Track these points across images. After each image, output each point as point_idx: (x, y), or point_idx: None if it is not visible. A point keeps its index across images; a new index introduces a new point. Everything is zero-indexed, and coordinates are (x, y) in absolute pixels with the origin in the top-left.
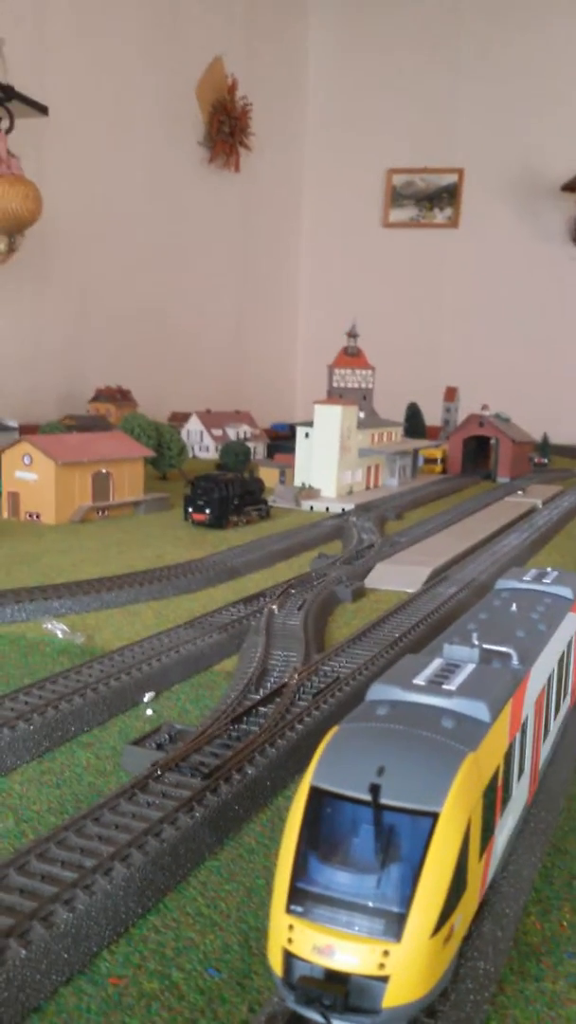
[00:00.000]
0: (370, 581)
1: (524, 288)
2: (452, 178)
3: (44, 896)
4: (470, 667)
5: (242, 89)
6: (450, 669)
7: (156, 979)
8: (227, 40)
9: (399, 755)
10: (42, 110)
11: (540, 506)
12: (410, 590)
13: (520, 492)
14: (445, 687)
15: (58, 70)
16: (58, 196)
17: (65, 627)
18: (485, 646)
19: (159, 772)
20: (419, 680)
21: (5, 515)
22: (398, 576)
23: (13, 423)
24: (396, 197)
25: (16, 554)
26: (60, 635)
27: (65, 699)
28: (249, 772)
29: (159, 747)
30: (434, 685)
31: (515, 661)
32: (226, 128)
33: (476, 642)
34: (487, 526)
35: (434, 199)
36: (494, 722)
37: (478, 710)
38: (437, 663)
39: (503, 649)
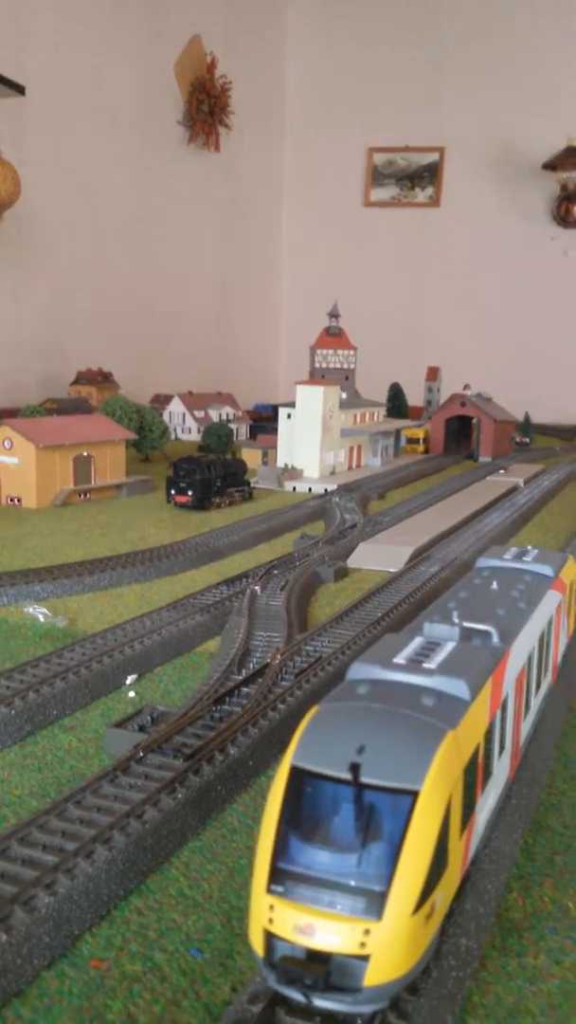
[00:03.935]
0: (352, 561)
1: (505, 267)
2: (433, 157)
3: (26, 880)
4: (450, 645)
5: (221, 68)
6: (430, 647)
7: (138, 961)
8: (206, 18)
9: (379, 733)
10: (19, 90)
11: (522, 485)
12: (392, 569)
13: (502, 471)
14: (425, 665)
15: (35, 49)
16: (37, 177)
17: (46, 611)
18: (465, 624)
19: (141, 754)
20: (399, 659)
21: None
22: (380, 556)
23: None
24: (377, 176)
25: None
26: (41, 619)
27: (47, 683)
28: (231, 752)
29: (141, 729)
30: (414, 663)
31: (495, 639)
32: (205, 107)
33: (456, 620)
34: (469, 505)
35: (415, 178)
36: (474, 700)
37: (458, 688)
38: (417, 642)
39: (483, 627)
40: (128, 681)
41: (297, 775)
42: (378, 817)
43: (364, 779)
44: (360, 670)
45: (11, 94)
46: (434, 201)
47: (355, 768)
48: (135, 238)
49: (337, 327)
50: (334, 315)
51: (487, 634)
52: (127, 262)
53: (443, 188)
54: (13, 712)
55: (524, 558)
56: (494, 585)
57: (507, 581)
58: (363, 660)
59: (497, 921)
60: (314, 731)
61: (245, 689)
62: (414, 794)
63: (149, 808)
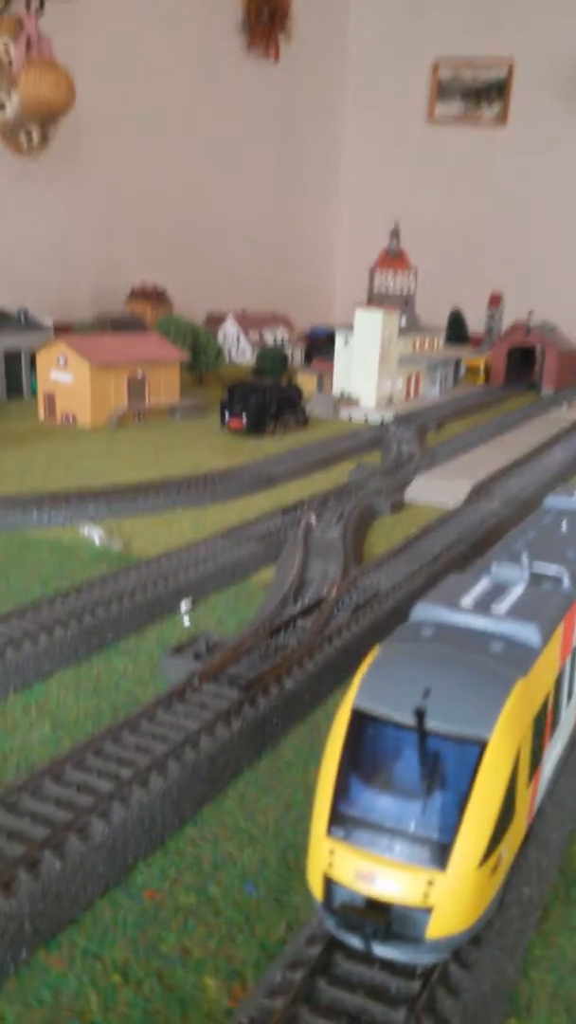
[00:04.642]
0: (409, 494)
1: (574, 191)
2: (501, 72)
3: (81, 807)
4: (519, 588)
5: None
6: (498, 590)
7: (193, 893)
8: None
9: (446, 679)
10: None
11: None
12: (450, 504)
13: (565, 405)
14: (494, 609)
15: None
16: (91, 84)
17: (102, 532)
18: (535, 567)
19: (197, 682)
20: (466, 601)
21: (42, 416)
22: (438, 490)
23: (48, 321)
24: (442, 91)
25: (52, 457)
26: (97, 541)
27: (103, 606)
28: (287, 685)
29: (197, 657)
30: (482, 607)
31: (566, 583)
32: (265, 14)
33: (525, 562)
34: (530, 440)
35: (482, 94)
36: (545, 646)
37: (529, 634)
38: (484, 583)
39: (553, 570)
40: (183, 607)
41: (359, 718)
42: (443, 765)
43: (430, 725)
44: (424, 611)
45: None
46: (501, 118)
47: (420, 714)
48: (190, 148)
49: (397, 247)
50: (395, 235)
51: (558, 578)
52: (181, 173)
53: (511, 105)
54: (69, 634)
55: None
56: (563, 526)
57: None
58: (428, 601)
59: (560, 871)
60: (377, 673)
61: (301, 622)
62: (483, 743)
63: (205, 737)
